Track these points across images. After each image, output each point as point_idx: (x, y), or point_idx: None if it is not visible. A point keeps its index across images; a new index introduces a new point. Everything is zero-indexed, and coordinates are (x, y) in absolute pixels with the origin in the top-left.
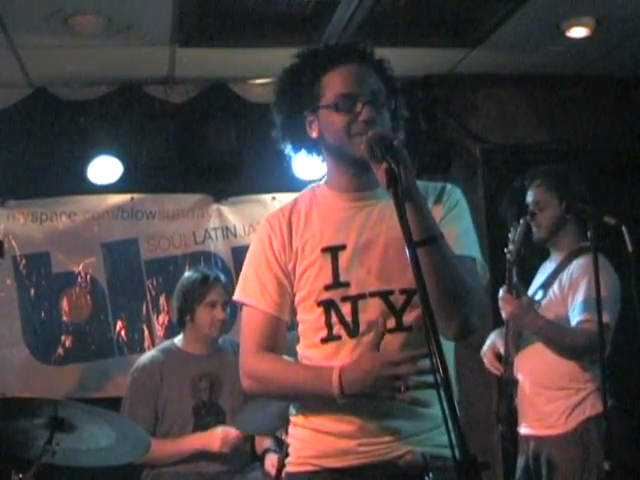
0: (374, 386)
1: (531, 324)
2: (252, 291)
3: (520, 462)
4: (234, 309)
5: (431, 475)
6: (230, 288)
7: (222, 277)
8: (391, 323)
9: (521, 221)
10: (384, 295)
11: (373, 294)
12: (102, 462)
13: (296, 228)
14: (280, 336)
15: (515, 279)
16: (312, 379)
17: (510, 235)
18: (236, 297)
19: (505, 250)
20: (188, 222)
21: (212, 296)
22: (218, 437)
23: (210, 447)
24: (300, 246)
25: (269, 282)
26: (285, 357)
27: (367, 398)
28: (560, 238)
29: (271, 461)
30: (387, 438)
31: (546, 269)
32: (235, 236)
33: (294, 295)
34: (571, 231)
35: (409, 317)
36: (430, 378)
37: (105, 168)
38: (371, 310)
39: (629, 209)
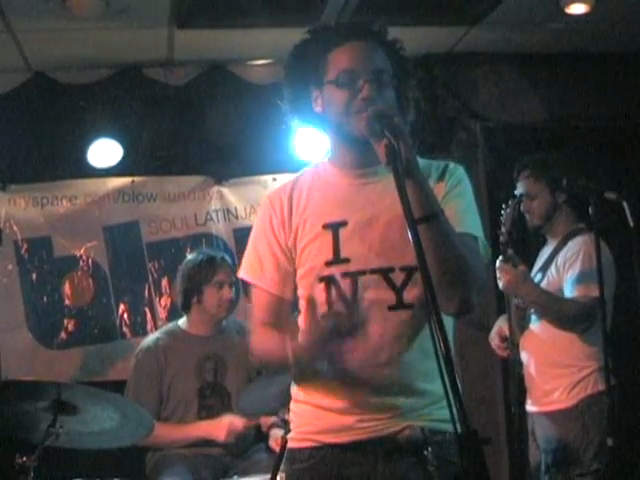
0: (310, 365)
1: (527, 292)
2: (254, 269)
3: (530, 439)
4: (237, 290)
5: (430, 449)
6: (234, 269)
7: (227, 257)
8: (391, 300)
9: (510, 202)
10: (384, 272)
11: (373, 271)
12: (105, 444)
13: (297, 205)
14: (283, 313)
15: (510, 252)
16: (283, 351)
17: (502, 218)
18: (240, 274)
19: (498, 232)
20: (189, 204)
21: (219, 276)
22: (224, 427)
23: (216, 437)
24: (301, 223)
25: (269, 261)
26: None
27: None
28: (554, 224)
29: (275, 437)
30: (386, 414)
31: (544, 254)
32: (236, 217)
33: (295, 272)
34: (564, 216)
35: (409, 294)
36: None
37: (105, 151)
38: (371, 287)
39: (630, 186)
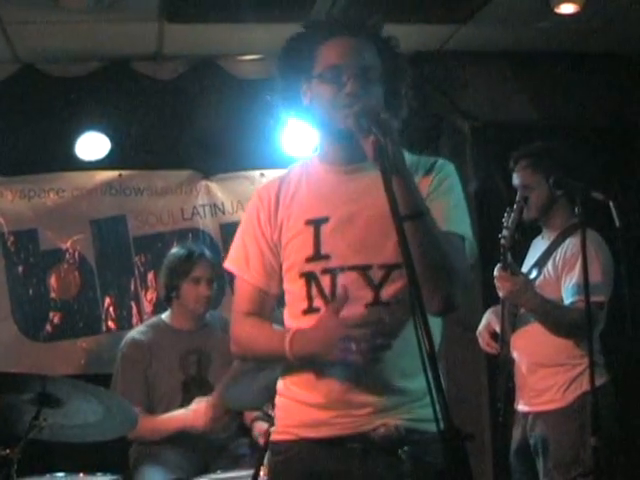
0: (325, 346)
1: (528, 302)
2: (239, 262)
3: (516, 437)
4: (222, 285)
5: (406, 448)
6: (217, 264)
7: (207, 253)
8: (368, 297)
9: (515, 206)
10: (362, 269)
11: (352, 268)
12: (90, 438)
13: (283, 200)
14: (267, 306)
15: (510, 259)
16: (275, 341)
17: (504, 220)
18: (225, 265)
19: (500, 235)
20: (176, 199)
21: (196, 272)
22: (202, 414)
23: (196, 425)
24: (285, 218)
25: (254, 255)
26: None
27: (318, 359)
28: (551, 216)
29: (259, 429)
30: (362, 411)
31: (539, 246)
32: (223, 213)
33: (281, 266)
34: (562, 208)
35: (387, 291)
36: (414, 347)
37: (93, 144)
38: (349, 284)
39: (618, 186)
